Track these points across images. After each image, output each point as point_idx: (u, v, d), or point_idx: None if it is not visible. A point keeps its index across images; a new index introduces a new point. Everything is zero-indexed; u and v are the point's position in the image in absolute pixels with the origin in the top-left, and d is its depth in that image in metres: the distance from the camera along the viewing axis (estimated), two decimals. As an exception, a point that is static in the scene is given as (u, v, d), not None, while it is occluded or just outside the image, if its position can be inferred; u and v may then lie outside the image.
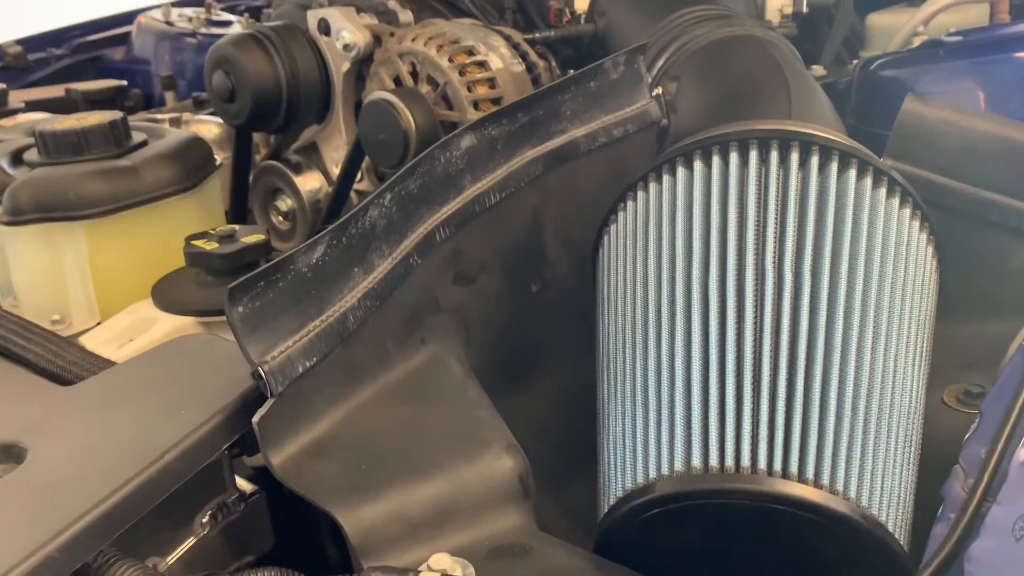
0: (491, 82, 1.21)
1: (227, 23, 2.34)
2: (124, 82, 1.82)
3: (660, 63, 1.11)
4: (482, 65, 1.21)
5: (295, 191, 1.42)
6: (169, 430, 0.64)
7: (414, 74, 1.24)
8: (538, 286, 0.97)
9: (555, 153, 0.95)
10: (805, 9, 1.53)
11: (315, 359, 0.69)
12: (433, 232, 0.83)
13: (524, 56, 1.28)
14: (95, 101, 1.76)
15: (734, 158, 0.76)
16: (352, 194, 1.40)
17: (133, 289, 0.99)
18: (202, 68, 2.24)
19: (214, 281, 0.96)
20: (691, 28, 1.13)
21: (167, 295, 0.96)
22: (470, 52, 1.22)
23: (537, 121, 0.93)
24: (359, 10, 1.40)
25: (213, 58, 1.34)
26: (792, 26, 1.46)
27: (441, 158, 0.83)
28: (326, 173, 1.43)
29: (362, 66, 1.34)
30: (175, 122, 1.58)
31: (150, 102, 2.28)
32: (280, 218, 1.47)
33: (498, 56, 1.23)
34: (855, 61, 1.36)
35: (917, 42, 1.28)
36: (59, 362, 0.78)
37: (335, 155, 1.41)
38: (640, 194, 0.82)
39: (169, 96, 2.06)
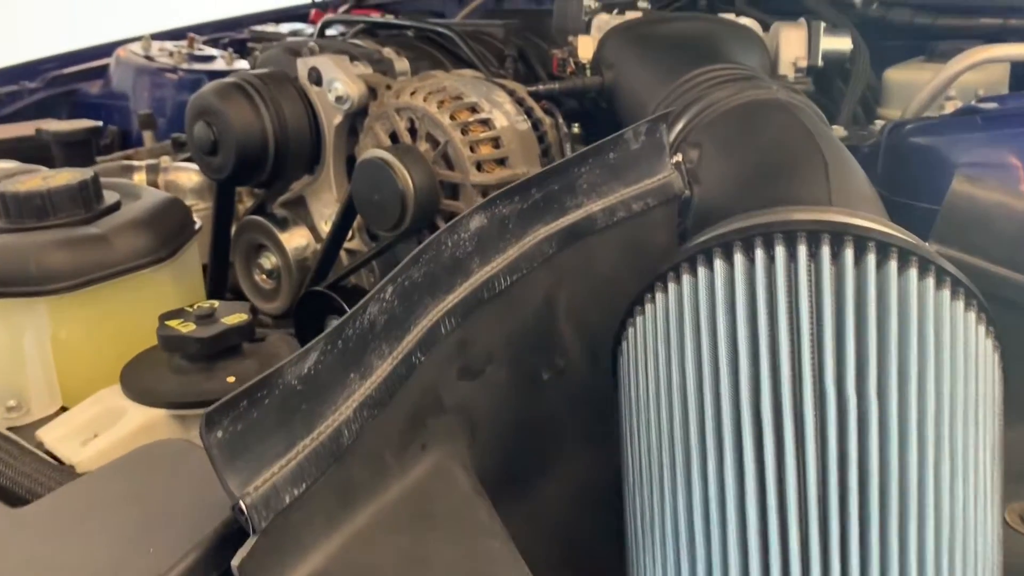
0: (495, 141, 1.13)
1: (209, 58, 2.26)
2: (99, 122, 1.72)
3: (679, 128, 1.03)
4: (486, 123, 1.13)
5: (280, 248, 1.33)
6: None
7: (412, 130, 1.16)
8: (549, 374, 0.89)
9: (570, 230, 0.86)
10: (820, 63, 1.47)
11: (305, 485, 0.60)
12: (438, 324, 0.74)
13: (529, 112, 1.20)
14: (68, 143, 1.66)
15: (780, 252, 0.68)
16: (342, 253, 1.31)
17: (100, 371, 0.89)
18: (183, 105, 2.16)
19: (190, 367, 0.87)
20: (711, 90, 1.05)
21: (138, 382, 0.86)
22: (473, 109, 1.14)
23: (551, 196, 0.84)
24: (352, 58, 1.31)
25: (194, 108, 1.24)
26: (807, 82, 1.40)
27: (448, 242, 0.75)
28: (314, 229, 1.34)
29: (355, 119, 1.26)
30: (152, 168, 1.49)
31: (128, 140, 2.19)
32: (263, 276, 1.37)
33: (502, 113, 1.15)
34: (877, 122, 1.29)
35: (950, 107, 1.21)
36: (9, 473, 0.68)
37: (324, 211, 1.32)
38: (671, 286, 0.73)
39: (147, 135, 1.97)
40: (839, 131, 1.26)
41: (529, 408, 0.86)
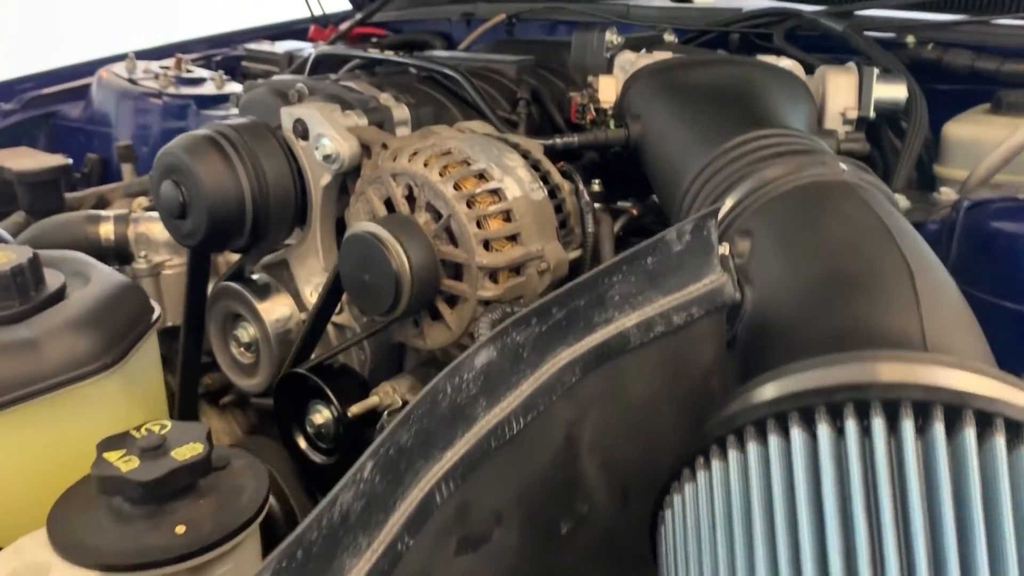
0: (506, 215, 0.97)
1: (198, 81, 2.11)
2: (68, 160, 1.56)
3: (725, 209, 0.88)
4: (495, 193, 0.97)
5: (258, 320, 1.17)
6: None
7: (410, 198, 1.00)
8: (569, 525, 0.73)
9: (598, 351, 0.70)
10: (872, 114, 1.31)
11: None
12: (432, 492, 0.59)
13: (546, 178, 1.04)
14: (33, 184, 1.50)
15: (878, 425, 0.52)
16: (329, 327, 1.15)
17: (27, 508, 0.74)
18: (168, 133, 2.01)
19: (133, 511, 0.71)
20: (762, 164, 0.89)
21: (66, 531, 0.70)
22: (481, 176, 0.98)
23: (576, 313, 0.69)
24: (345, 105, 1.16)
25: (161, 165, 1.09)
26: (862, 140, 1.23)
27: (448, 388, 0.59)
28: (298, 297, 1.19)
29: (347, 177, 1.10)
30: (121, 220, 1.34)
31: (108, 169, 2.03)
32: (241, 349, 1.21)
33: (515, 180, 0.99)
34: (943, 191, 1.13)
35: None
36: None
37: (310, 278, 1.17)
38: (733, 452, 0.58)
39: (126, 169, 1.82)
40: (901, 201, 1.10)
41: (544, 571, 0.70)
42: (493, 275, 0.96)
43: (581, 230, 1.05)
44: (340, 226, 1.15)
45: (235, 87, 2.14)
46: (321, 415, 1.12)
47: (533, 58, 1.45)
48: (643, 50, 1.36)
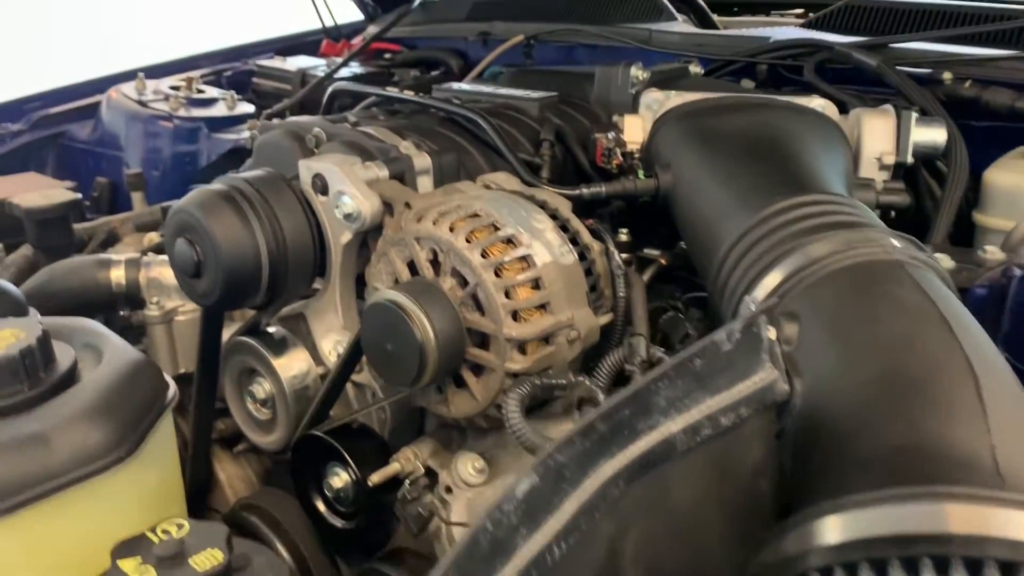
0: (535, 282, 0.93)
1: (209, 101, 2.07)
2: (78, 195, 1.52)
3: (769, 287, 0.83)
4: (524, 260, 0.93)
5: (274, 376, 1.13)
6: None
7: (435, 261, 0.96)
8: (610, 639, 0.69)
9: (642, 461, 0.66)
10: (910, 159, 1.26)
11: None
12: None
13: (575, 238, 1.00)
14: (43, 220, 1.46)
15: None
16: (348, 386, 1.12)
17: (35, 615, 0.70)
18: (179, 157, 1.98)
19: (148, 626, 0.67)
20: (807, 237, 0.84)
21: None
22: (509, 241, 0.93)
23: (620, 423, 0.65)
24: (364, 154, 1.12)
25: (175, 223, 1.04)
26: (902, 191, 1.18)
27: (488, 526, 0.55)
28: (315, 352, 1.15)
29: (367, 234, 1.06)
30: (132, 264, 1.30)
31: (117, 193, 2.00)
32: (257, 405, 1.17)
33: (544, 245, 0.95)
34: (988, 249, 1.08)
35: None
36: None
37: (328, 334, 1.13)
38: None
39: (136, 197, 1.78)
40: (945, 261, 1.05)
41: None
42: (522, 346, 0.92)
43: (612, 292, 1.01)
44: (360, 281, 1.11)
45: (246, 107, 2.10)
46: (340, 479, 1.08)
47: (556, 95, 1.40)
48: (671, 92, 1.31)
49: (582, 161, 1.32)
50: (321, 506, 1.11)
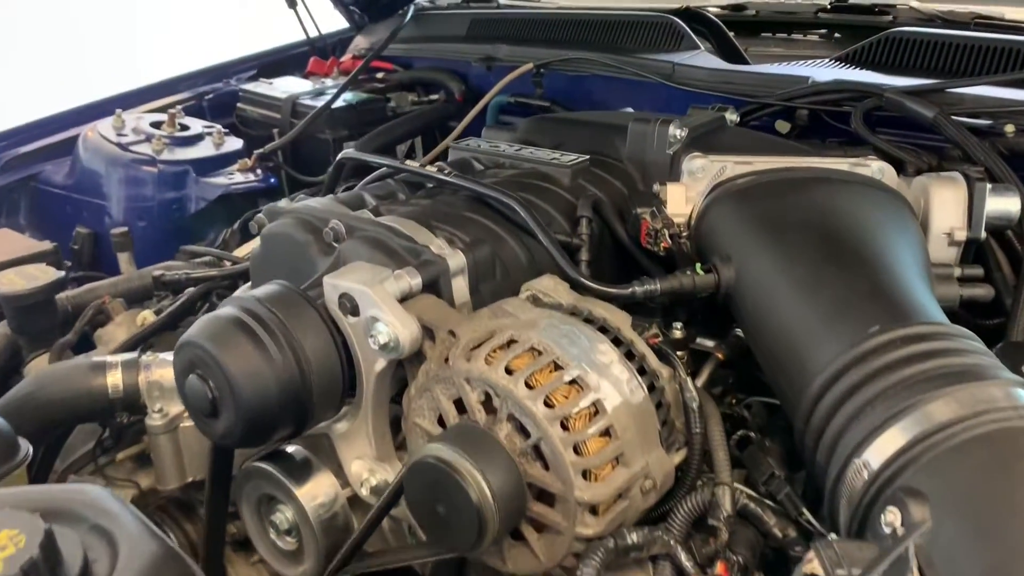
0: (607, 431, 0.82)
1: (194, 139, 1.92)
2: (61, 274, 1.38)
3: (884, 457, 0.73)
4: (593, 405, 0.82)
5: (297, 506, 1.02)
6: None
7: (488, 402, 0.85)
8: None
9: None
10: (983, 235, 1.15)
11: None
12: None
13: (642, 366, 0.88)
14: (24, 307, 1.33)
15: None
16: (385, 522, 1.00)
17: None
18: (166, 205, 1.83)
19: None
20: (922, 389, 0.74)
21: None
22: (574, 382, 0.82)
23: None
24: (392, 256, 1.00)
25: (183, 357, 0.92)
26: (986, 286, 1.08)
27: None
28: (341, 474, 1.03)
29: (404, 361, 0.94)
30: (130, 366, 1.17)
31: (100, 245, 1.85)
32: (282, 535, 1.06)
33: (611, 383, 0.83)
34: None
35: None
36: None
37: (358, 460, 1.01)
38: None
39: (123, 259, 1.64)
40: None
41: None
42: (594, 507, 0.81)
43: (685, 421, 0.90)
44: (395, 400, 0.99)
45: (234, 143, 1.96)
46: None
47: (587, 159, 1.28)
48: (714, 159, 1.19)
49: (621, 236, 1.21)
50: (359, 651, 1.00)
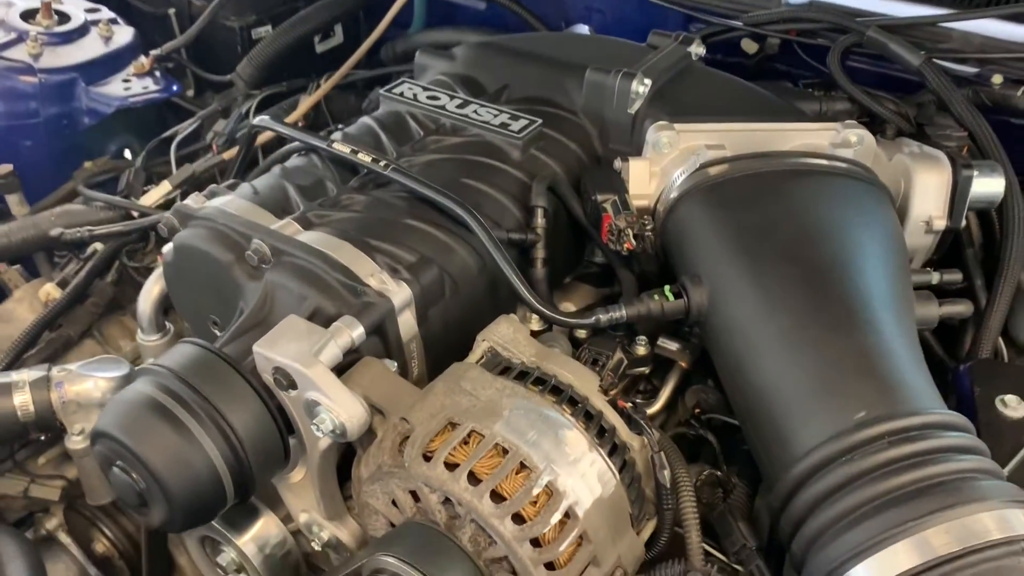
0: (581, 537, 0.77)
1: (77, 33, 1.66)
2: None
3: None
4: (567, 515, 0.76)
5: (240, 553, 0.96)
6: None
7: (448, 502, 0.78)
8: None
9: None
10: (963, 223, 1.08)
11: None
12: None
13: (614, 443, 0.82)
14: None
15: None
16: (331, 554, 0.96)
17: None
18: (54, 121, 1.60)
19: None
20: (914, 510, 0.70)
21: None
22: (549, 491, 0.76)
23: None
24: (328, 292, 0.89)
25: (100, 452, 0.82)
26: (966, 303, 1.02)
27: None
28: (288, 519, 0.97)
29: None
30: (39, 385, 1.06)
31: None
32: (230, 573, 1.01)
33: (583, 482, 0.77)
34: None
35: None
36: None
37: (306, 512, 0.94)
38: None
39: (13, 201, 1.45)
40: (1016, 408, 0.92)
41: None
42: (565, 614, 0.77)
43: (656, 494, 0.85)
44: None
45: (125, 34, 1.70)
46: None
47: (540, 124, 1.14)
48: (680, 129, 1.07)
49: (578, 215, 1.10)
50: None
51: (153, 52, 1.64)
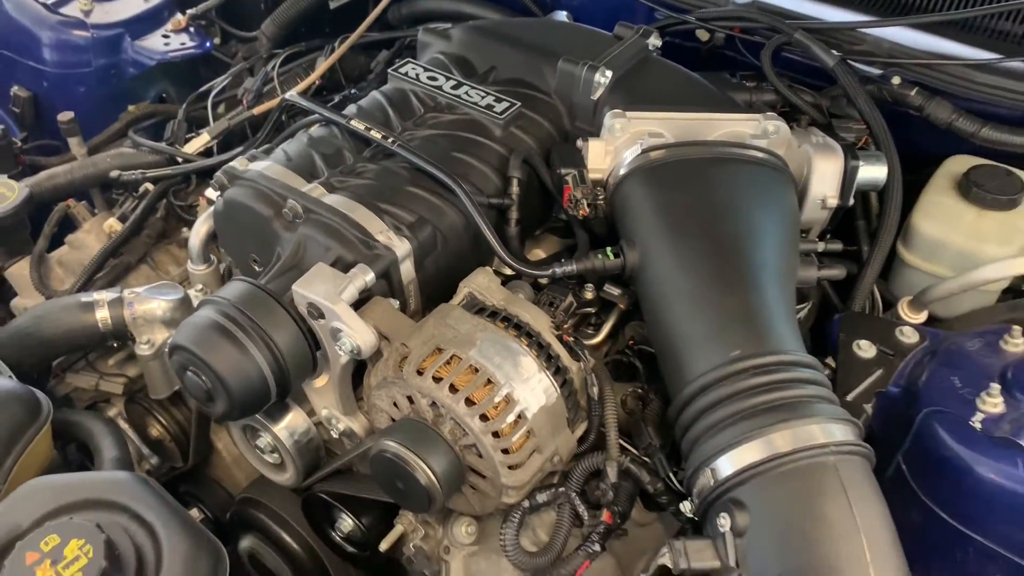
0: (528, 432, 1.06)
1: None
2: (28, 191, 1.47)
3: (724, 465, 0.99)
4: (520, 417, 1.05)
5: (277, 439, 1.26)
6: None
7: (435, 405, 1.07)
8: None
9: None
10: (851, 202, 1.35)
11: None
12: None
13: (558, 366, 1.11)
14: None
15: None
16: (344, 440, 1.26)
17: None
18: (104, 71, 1.84)
19: None
20: (767, 420, 0.98)
21: None
22: (507, 399, 1.05)
23: None
24: (346, 244, 1.16)
25: (177, 359, 1.11)
26: (840, 267, 1.29)
27: None
28: (313, 414, 1.27)
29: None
30: (115, 304, 1.35)
31: (40, 109, 1.88)
32: (266, 454, 1.31)
33: (532, 394, 1.07)
34: (904, 330, 1.22)
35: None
36: None
37: (327, 409, 1.24)
38: None
39: (74, 143, 1.71)
40: (868, 350, 1.21)
41: None
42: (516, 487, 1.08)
43: (587, 404, 1.15)
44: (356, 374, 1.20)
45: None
46: (346, 524, 1.29)
47: (519, 107, 1.39)
48: (630, 116, 1.33)
49: (548, 183, 1.37)
50: (337, 538, 1.31)
51: (189, 11, 1.87)
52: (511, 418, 1.05)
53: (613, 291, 1.32)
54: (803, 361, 1.07)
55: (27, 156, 1.75)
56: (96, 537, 0.95)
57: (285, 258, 1.20)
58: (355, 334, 1.09)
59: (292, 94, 1.46)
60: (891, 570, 0.92)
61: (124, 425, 1.55)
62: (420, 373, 1.06)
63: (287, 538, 1.40)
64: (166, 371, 1.39)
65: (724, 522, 0.97)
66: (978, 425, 1.07)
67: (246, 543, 1.44)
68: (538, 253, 1.43)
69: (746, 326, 1.09)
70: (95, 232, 1.56)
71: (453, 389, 1.05)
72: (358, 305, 1.13)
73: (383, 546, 1.22)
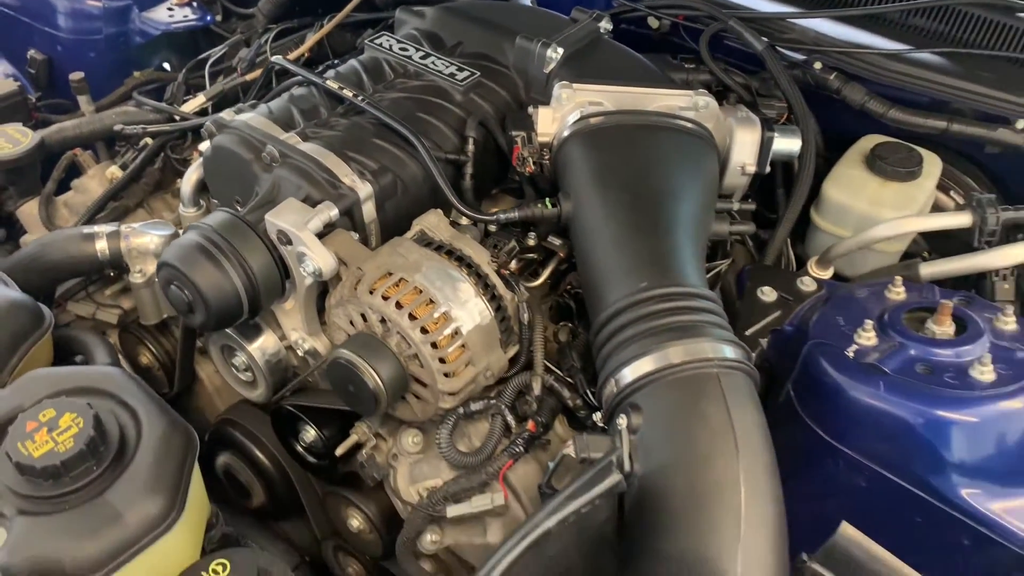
0: (463, 346, 1.23)
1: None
2: (40, 136, 1.65)
3: (627, 374, 1.16)
4: (456, 332, 1.22)
5: (251, 357, 1.43)
6: None
7: (383, 321, 1.24)
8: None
9: (526, 550, 1.04)
10: (767, 170, 1.52)
11: None
12: None
13: (493, 293, 1.28)
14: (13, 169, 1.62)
15: None
16: (308, 358, 1.43)
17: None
18: (114, 39, 2.02)
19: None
20: (663, 339, 1.15)
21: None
22: (445, 316, 1.22)
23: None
24: (315, 186, 1.33)
25: (164, 275, 1.28)
26: (749, 223, 1.46)
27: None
28: (284, 339, 1.44)
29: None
30: (113, 236, 1.51)
31: (54, 71, 2.06)
32: (239, 372, 1.48)
33: (467, 314, 1.24)
34: (805, 280, 1.39)
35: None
36: None
37: (293, 329, 1.41)
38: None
39: (83, 101, 1.89)
40: (770, 295, 1.38)
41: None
42: (452, 393, 1.25)
43: (518, 326, 1.32)
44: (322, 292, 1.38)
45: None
46: (309, 435, 1.45)
47: (479, 75, 1.57)
48: (577, 88, 1.50)
49: (502, 144, 1.54)
50: (299, 448, 1.48)
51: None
52: (448, 331, 1.22)
53: (555, 241, 1.49)
54: (702, 294, 1.24)
55: (40, 113, 1.92)
56: (87, 412, 1.12)
57: (262, 195, 1.37)
58: (317, 258, 1.26)
59: (279, 57, 1.63)
60: (760, 465, 1.08)
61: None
62: (372, 292, 1.23)
63: (258, 453, 1.56)
64: (156, 299, 1.56)
65: (622, 421, 1.14)
66: (851, 354, 1.24)
67: (222, 459, 1.61)
68: (492, 210, 1.61)
69: (656, 264, 1.26)
70: (98, 178, 1.73)
71: (399, 306, 1.22)
72: (322, 236, 1.30)
73: (339, 451, 1.39)
